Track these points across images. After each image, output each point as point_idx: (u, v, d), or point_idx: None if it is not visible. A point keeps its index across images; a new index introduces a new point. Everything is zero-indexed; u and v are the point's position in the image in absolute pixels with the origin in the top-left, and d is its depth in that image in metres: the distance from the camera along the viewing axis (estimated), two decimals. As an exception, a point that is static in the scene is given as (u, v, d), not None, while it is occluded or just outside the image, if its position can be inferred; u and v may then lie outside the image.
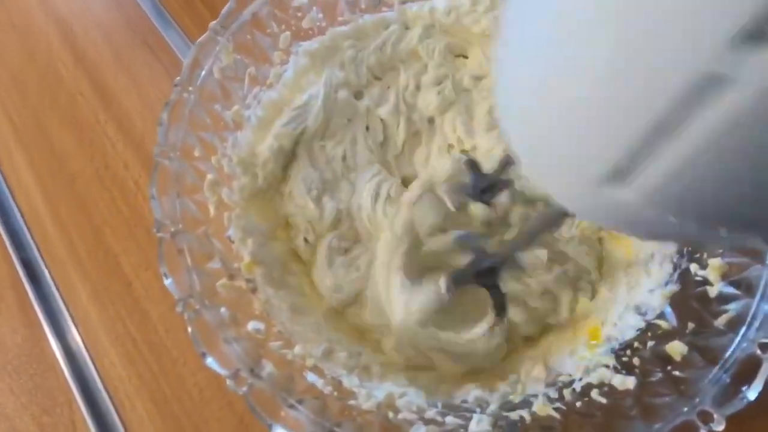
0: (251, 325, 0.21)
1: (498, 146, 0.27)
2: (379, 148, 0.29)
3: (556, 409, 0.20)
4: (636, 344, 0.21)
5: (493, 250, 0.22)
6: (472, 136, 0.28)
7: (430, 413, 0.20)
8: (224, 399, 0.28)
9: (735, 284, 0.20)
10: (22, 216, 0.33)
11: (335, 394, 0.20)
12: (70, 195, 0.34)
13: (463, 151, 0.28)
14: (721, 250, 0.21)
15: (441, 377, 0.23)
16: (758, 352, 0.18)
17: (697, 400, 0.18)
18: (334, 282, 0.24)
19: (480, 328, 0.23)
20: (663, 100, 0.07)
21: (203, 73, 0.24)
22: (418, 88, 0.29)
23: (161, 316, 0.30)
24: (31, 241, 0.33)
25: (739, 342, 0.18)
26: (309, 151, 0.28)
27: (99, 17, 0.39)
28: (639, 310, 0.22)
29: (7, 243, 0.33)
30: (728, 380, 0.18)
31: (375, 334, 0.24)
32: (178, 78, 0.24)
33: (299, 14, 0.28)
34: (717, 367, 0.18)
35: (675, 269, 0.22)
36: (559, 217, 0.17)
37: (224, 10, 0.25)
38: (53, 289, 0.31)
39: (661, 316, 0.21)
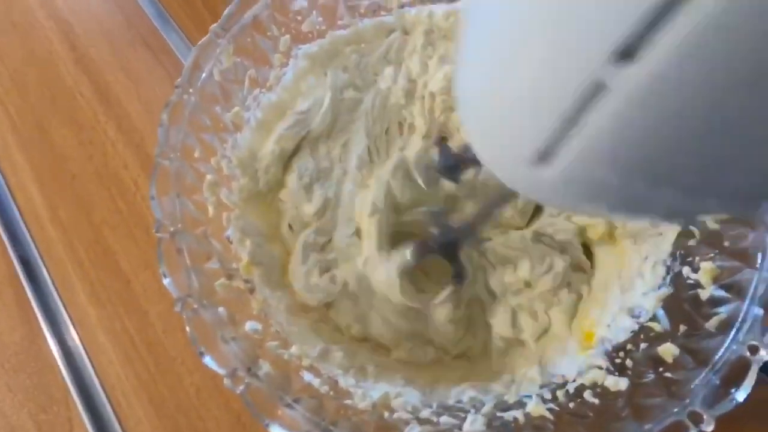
0: (249, 325, 0.21)
1: None
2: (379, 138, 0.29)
3: (549, 410, 0.20)
4: (629, 346, 0.21)
5: (456, 225, 0.23)
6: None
7: (425, 413, 0.20)
8: (221, 398, 0.28)
9: (726, 287, 0.21)
10: (21, 214, 0.34)
11: (331, 393, 0.20)
12: (69, 194, 0.34)
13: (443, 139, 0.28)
14: (711, 254, 0.21)
15: (437, 378, 0.24)
16: (747, 354, 0.18)
17: (688, 401, 0.18)
18: (305, 282, 0.24)
19: (441, 296, 0.24)
20: (567, 95, 0.09)
21: (204, 75, 0.24)
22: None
23: (159, 315, 0.30)
24: (29, 240, 0.33)
25: (729, 344, 0.19)
26: (312, 148, 0.28)
27: (99, 17, 0.40)
28: (632, 313, 0.23)
29: (6, 241, 0.33)
30: (718, 382, 0.18)
31: (352, 330, 0.25)
32: (179, 80, 0.24)
33: (299, 18, 0.28)
34: (707, 369, 0.19)
35: (668, 272, 0.23)
36: (508, 193, 0.18)
37: (225, 13, 0.26)
38: (51, 287, 0.31)
39: (654, 318, 0.22)
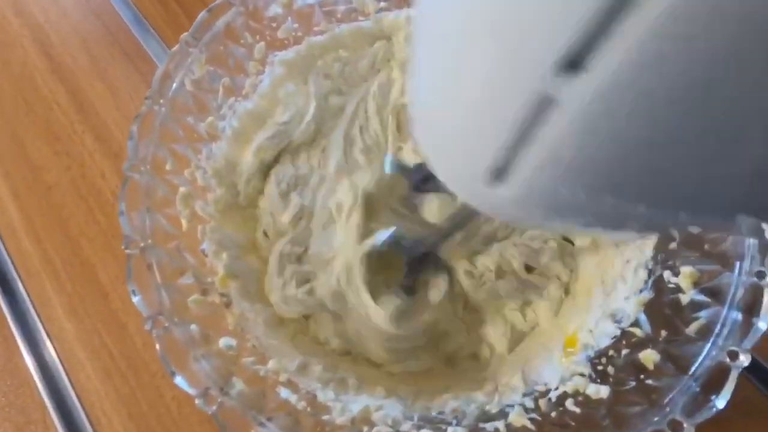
0: (223, 342, 0.20)
1: None
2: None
3: (531, 420, 0.20)
4: (611, 352, 0.21)
5: (422, 238, 0.23)
6: None
7: (406, 426, 0.20)
8: (203, 414, 0.27)
9: (706, 292, 0.20)
10: (-4, 228, 0.33)
11: (309, 409, 0.20)
12: (45, 206, 0.33)
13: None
14: (692, 257, 0.21)
15: (420, 388, 0.23)
16: (727, 360, 0.18)
17: (668, 409, 0.18)
18: (281, 294, 0.24)
19: (435, 296, 0.23)
20: (513, 110, 0.09)
21: (174, 85, 0.24)
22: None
23: (139, 329, 0.29)
24: (4, 253, 0.32)
25: (709, 350, 0.19)
26: (293, 156, 0.27)
27: (76, 25, 0.39)
28: (614, 318, 0.22)
29: (-19, 256, 0.32)
30: (698, 389, 0.18)
31: (332, 344, 0.24)
32: (149, 90, 0.23)
33: (274, 24, 0.28)
34: (687, 376, 0.18)
35: (649, 276, 0.23)
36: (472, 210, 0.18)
37: (196, 22, 0.25)
38: (27, 301, 0.31)
39: (636, 323, 0.21)
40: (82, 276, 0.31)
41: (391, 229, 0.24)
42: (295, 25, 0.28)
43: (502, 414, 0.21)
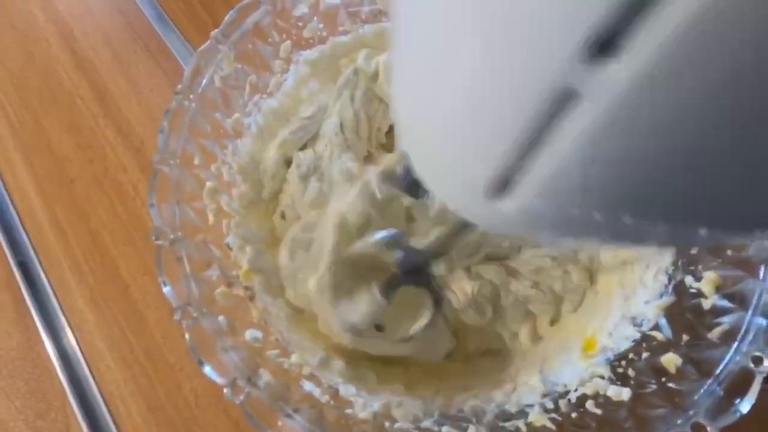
0: (249, 334, 0.21)
1: None
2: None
3: (551, 420, 0.20)
4: (631, 355, 0.21)
5: (420, 246, 0.22)
6: None
7: (426, 423, 0.20)
8: (220, 405, 0.27)
9: (729, 297, 0.20)
10: (20, 219, 0.33)
11: (332, 403, 0.20)
12: (68, 198, 0.33)
13: None
14: (714, 263, 0.21)
15: (438, 387, 0.23)
16: (751, 365, 0.18)
17: (691, 412, 0.18)
18: (292, 280, 0.24)
19: (419, 324, 0.22)
20: (523, 108, 0.07)
21: (204, 81, 0.24)
22: None
23: (158, 320, 0.30)
24: (28, 244, 0.33)
25: (733, 355, 0.19)
26: (314, 142, 0.27)
27: (99, 21, 0.39)
28: (634, 321, 0.22)
29: (4, 245, 0.33)
30: (722, 393, 0.18)
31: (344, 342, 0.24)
32: (180, 86, 0.24)
33: (300, 24, 0.28)
34: (710, 380, 0.18)
35: (670, 281, 0.23)
36: (462, 225, 0.17)
37: (226, 19, 0.25)
38: (49, 292, 0.31)
39: (656, 327, 0.22)
40: (103, 268, 0.31)
41: (393, 231, 0.22)
42: (321, 25, 0.28)
43: (522, 413, 0.21)
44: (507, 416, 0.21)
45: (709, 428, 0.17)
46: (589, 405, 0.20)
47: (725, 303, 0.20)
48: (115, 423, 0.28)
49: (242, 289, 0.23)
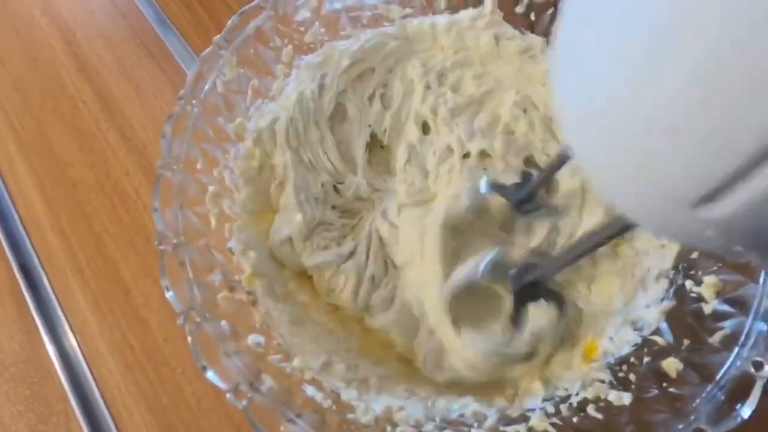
0: (251, 339, 0.21)
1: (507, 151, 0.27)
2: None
3: (552, 425, 0.20)
4: (632, 359, 0.21)
5: (540, 265, 0.22)
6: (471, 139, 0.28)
7: (428, 427, 0.20)
8: (222, 409, 0.28)
9: (729, 302, 0.21)
10: (22, 222, 0.34)
11: (334, 407, 0.20)
12: (70, 202, 0.34)
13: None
14: (714, 267, 0.21)
15: (439, 390, 0.23)
16: (752, 370, 0.18)
17: (692, 417, 0.18)
18: (298, 234, 0.24)
19: (540, 321, 0.22)
20: (745, 155, 0.09)
21: (207, 86, 0.24)
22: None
23: (160, 324, 0.30)
24: (30, 248, 0.33)
25: (734, 360, 0.19)
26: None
27: (102, 25, 0.40)
28: (635, 326, 0.23)
29: (6, 249, 0.33)
30: (723, 398, 0.18)
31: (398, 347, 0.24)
32: (182, 91, 0.24)
33: (302, 29, 0.28)
34: (712, 385, 0.18)
35: (671, 285, 0.23)
36: (618, 232, 0.17)
37: (228, 25, 0.26)
38: (52, 295, 0.31)
39: (657, 331, 0.22)
40: (105, 271, 0.31)
41: (490, 254, 0.22)
42: (322, 30, 0.28)
43: (524, 418, 0.21)
44: (508, 420, 0.21)
45: (710, 433, 0.17)
46: (591, 409, 0.20)
47: (726, 307, 0.20)
48: (117, 427, 0.28)
49: (244, 293, 0.23)
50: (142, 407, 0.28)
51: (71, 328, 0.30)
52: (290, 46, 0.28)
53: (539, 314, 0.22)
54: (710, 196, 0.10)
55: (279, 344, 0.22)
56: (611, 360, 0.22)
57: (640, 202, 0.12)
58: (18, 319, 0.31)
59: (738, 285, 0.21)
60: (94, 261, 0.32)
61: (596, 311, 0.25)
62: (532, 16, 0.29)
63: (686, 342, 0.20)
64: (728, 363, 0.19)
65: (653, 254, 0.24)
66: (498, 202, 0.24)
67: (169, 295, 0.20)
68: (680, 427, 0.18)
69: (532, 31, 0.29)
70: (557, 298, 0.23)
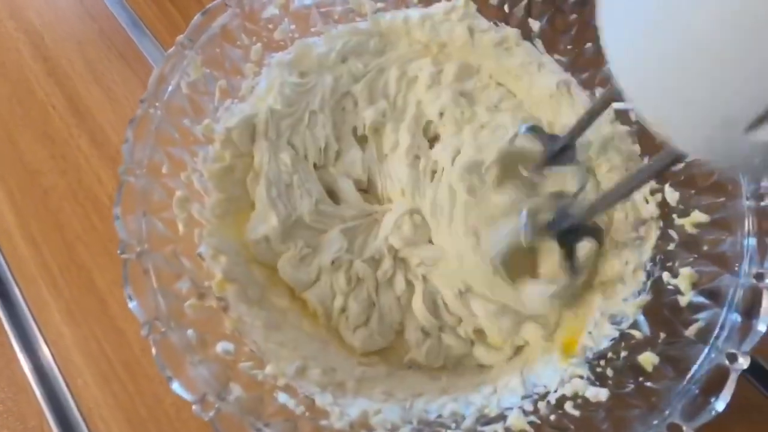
0: (221, 346, 0.20)
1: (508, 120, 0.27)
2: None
3: (530, 423, 0.20)
4: (610, 354, 0.21)
5: (575, 210, 0.22)
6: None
7: (405, 430, 0.20)
8: (202, 419, 0.27)
9: (705, 293, 0.20)
10: (-7, 233, 0.33)
11: (307, 414, 0.19)
12: (41, 210, 0.33)
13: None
14: (690, 259, 0.21)
15: (417, 391, 0.23)
16: (726, 362, 0.18)
17: (667, 412, 0.18)
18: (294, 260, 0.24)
19: (550, 290, 0.22)
20: None
21: (170, 88, 0.24)
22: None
23: (137, 334, 0.29)
24: (0, 258, 0.32)
25: (708, 353, 0.19)
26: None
27: (71, 28, 0.39)
28: (614, 320, 0.22)
29: (-23, 261, 0.32)
30: (697, 391, 0.18)
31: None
32: (144, 94, 0.23)
33: (270, 26, 0.27)
34: (686, 379, 0.18)
35: (648, 277, 0.23)
36: (668, 165, 0.17)
37: (192, 24, 0.25)
38: (24, 307, 0.31)
39: (635, 325, 0.21)
40: (79, 281, 0.31)
41: (523, 216, 0.22)
42: (292, 27, 0.28)
43: (501, 417, 0.21)
44: (486, 420, 0.20)
45: (684, 428, 0.17)
46: (568, 407, 0.20)
47: (701, 299, 0.20)
48: (94, 439, 0.27)
49: (215, 300, 0.22)
50: (120, 419, 0.27)
51: (45, 340, 0.30)
52: (259, 44, 0.27)
53: (582, 247, 0.23)
54: (764, 117, 0.10)
55: (251, 351, 0.21)
56: (590, 355, 0.22)
57: (694, 129, 0.12)
58: (-10, 333, 0.30)
59: (713, 276, 0.21)
60: (67, 270, 0.31)
61: (576, 306, 0.25)
62: (506, 8, 0.29)
63: (662, 335, 0.20)
64: (702, 356, 0.18)
65: (631, 246, 0.24)
66: (532, 149, 0.24)
67: (132, 305, 0.19)
68: (655, 422, 0.18)
69: (507, 23, 0.29)
70: (592, 232, 0.23)
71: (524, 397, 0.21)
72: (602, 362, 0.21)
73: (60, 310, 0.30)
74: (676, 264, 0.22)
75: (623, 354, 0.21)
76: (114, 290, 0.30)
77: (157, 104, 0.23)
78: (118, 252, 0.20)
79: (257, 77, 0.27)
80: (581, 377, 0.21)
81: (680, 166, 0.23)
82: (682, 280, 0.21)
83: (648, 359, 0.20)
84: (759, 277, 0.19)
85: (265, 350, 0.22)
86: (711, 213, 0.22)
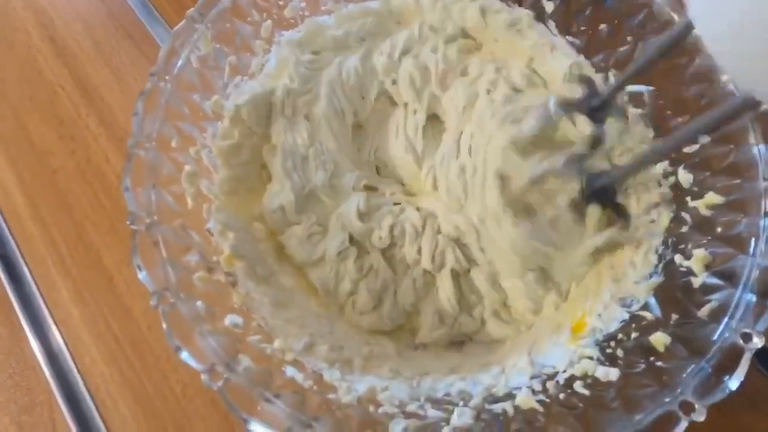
0: (229, 319, 0.20)
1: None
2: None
3: (539, 402, 0.20)
4: (620, 335, 0.21)
5: (607, 167, 0.22)
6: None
7: (412, 407, 0.20)
8: (207, 396, 0.27)
9: (718, 275, 0.20)
10: (1, 213, 0.33)
11: (315, 388, 0.19)
12: (50, 190, 0.33)
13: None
14: (704, 241, 0.21)
15: (425, 370, 0.23)
16: (740, 342, 0.18)
17: (679, 390, 0.17)
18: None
19: (602, 237, 0.23)
20: None
21: (180, 61, 0.24)
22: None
23: (144, 312, 0.29)
24: (10, 238, 0.32)
25: (722, 332, 0.18)
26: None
27: (80, 8, 0.39)
28: (624, 302, 0.22)
29: (-14, 239, 0.32)
30: (710, 370, 0.18)
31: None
32: (154, 67, 0.23)
33: (281, 3, 0.27)
34: (699, 358, 0.18)
35: (660, 260, 0.22)
36: (737, 113, 0.17)
37: (202, -2, 0.25)
38: (33, 286, 0.31)
39: (646, 307, 0.21)
40: (87, 260, 0.31)
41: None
42: (303, 4, 0.27)
43: (510, 396, 0.20)
44: (494, 399, 0.20)
45: (697, 406, 0.17)
46: (577, 386, 0.20)
47: (715, 280, 0.20)
48: (101, 417, 0.27)
49: (223, 274, 0.22)
50: (126, 396, 0.28)
51: (53, 318, 0.30)
52: (269, 21, 0.27)
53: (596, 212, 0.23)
54: None
55: (259, 326, 0.21)
56: (599, 337, 0.21)
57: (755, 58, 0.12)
58: (-1, 310, 0.30)
59: (728, 257, 0.20)
60: (75, 249, 0.31)
61: (586, 289, 0.24)
62: (519, -12, 0.28)
63: (674, 316, 0.20)
64: (716, 335, 0.18)
65: (643, 230, 0.23)
66: (568, 129, 0.24)
67: (141, 275, 0.19)
68: (667, 400, 0.17)
69: (519, 4, 0.28)
70: (620, 213, 0.23)
71: (533, 377, 0.21)
72: (612, 343, 0.21)
73: (68, 288, 0.30)
74: (689, 246, 0.21)
75: (634, 335, 0.21)
76: (122, 269, 0.30)
77: (167, 77, 0.23)
78: (128, 222, 0.20)
79: (267, 55, 0.27)
80: (591, 358, 0.21)
81: (695, 147, 0.23)
82: (695, 262, 0.21)
83: (660, 339, 0.20)
84: (775, 257, 0.19)
85: (273, 326, 0.22)
86: (726, 194, 0.21)
